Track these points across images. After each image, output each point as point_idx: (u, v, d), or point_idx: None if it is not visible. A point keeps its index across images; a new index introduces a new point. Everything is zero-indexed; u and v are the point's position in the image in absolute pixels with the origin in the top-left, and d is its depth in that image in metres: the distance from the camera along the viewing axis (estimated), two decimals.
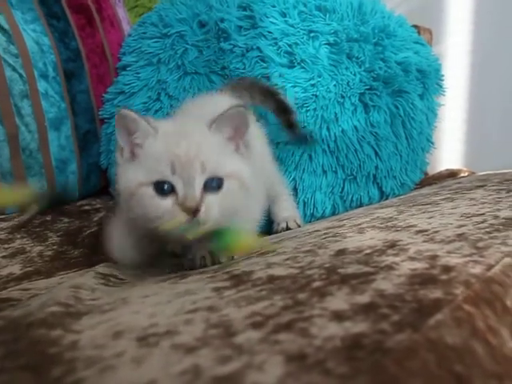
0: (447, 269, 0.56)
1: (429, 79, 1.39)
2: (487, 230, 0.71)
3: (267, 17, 1.27)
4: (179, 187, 0.70)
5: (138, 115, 0.75)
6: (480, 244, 0.65)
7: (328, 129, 1.23)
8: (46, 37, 1.34)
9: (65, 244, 1.11)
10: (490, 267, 0.57)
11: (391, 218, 0.89)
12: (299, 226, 1.13)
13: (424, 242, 0.68)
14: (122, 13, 1.59)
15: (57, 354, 0.46)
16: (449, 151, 2.00)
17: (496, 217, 0.78)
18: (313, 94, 1.22)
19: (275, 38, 1.25)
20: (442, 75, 1.47)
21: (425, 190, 1.27)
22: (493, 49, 1.90)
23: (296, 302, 0.51)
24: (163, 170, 0.71)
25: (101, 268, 0.85)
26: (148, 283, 0.72)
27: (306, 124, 1.21)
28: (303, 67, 1.24)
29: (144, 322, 0.51)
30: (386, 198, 1.33)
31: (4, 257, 1.04)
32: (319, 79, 1.23)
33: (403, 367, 0.38)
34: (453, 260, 0.59)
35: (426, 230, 0.74)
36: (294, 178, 1.24)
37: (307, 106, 1.21)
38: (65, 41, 1.38)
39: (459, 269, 0.56)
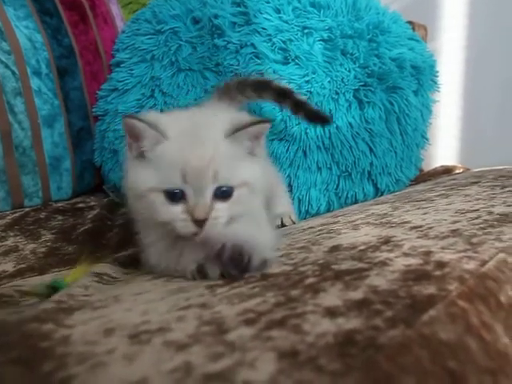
0: (441, 265, 0.56)
1: (423, 75, 1.39)
2: (481, 225, 0.71)
3: (261, 13, 1.26)
4: (189, 196, 0.69)
5: (145, 123, 0.71)
6: (474, 240, 0.65)
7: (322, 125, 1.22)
8: (38, 33, 1.33)
9: (59, 241, 1.11)
10: (484, 263, 0.57)
11: (386, 214, 0.89)
12: (294, 223, 1.13)
13: (418, 238, 0.68)
14: (115, 9, 1.59)
15: (48, 349, 0.46)
16: (444, 148, 2.00)
17: (490, 213, 0.78)
18: (307, 91, 1.21)
19: (269, 35, 1.24)
20: (437, 71, 1.47)
21: (420, 187, 1.27)
22: (488, 45, 1.90)
23: (289, 299, 0.51)
24: (175, 178, 0.69)
25: (95, 267, 0.85)
26: (141, 281, 0.72)
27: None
28: (297, 64, 1.23)
29: (136, 319, 0.50)
30: (381, 195, 1.33)
31: None
32: (313, 76, 1.23)
33: (396, 363, 0.38)
34: (447, 256, 0.58)
35: (420, 226, 0.74)
36: (288, 175, 1.23)
37: None
38: (58, 38, 1.37)
39: (453, 265, 0.55)
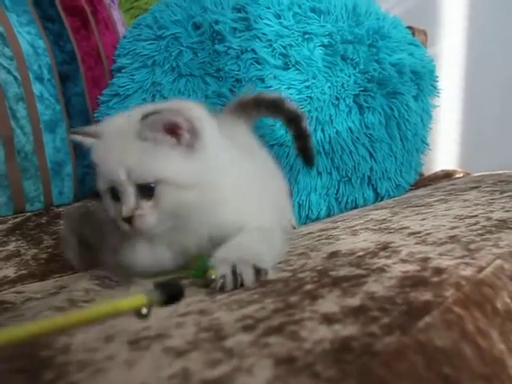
0: (438, 271, 0.56)
1: (423, 81, 1.40)
2: (479, 231, 0.72)
3: (262, 19, 1.27)
4: (121, 195, 0.71)
5: (82, 134, 0.78)
6: (472, 246, 0.65)
7: (323, 130, 1.23)
8: (40, 39, 1.34)
9: (60, 247, 1.11)
10: (481, 269, 0.57)
11: (385, 219, 0.89)
12: (294, 228, 1.13)
13: (416, 244, 0.69)
14: (116, 15, 1.59)
15: (49, 358, 0.46)
16: (444, 152, 2.00)
17: (489, 218, 0.78)
18: (307, 96, 1.22)
19: (270, 40, 1.25)
20: (437, 76, 1.48)
21: (419, 192, 1.28)
22: (487, 50, 1.91)
23: (287, 305, 0.51)
24: (104, 180, 0.73)
25: (96, 271, 0.85)
26: (141, 285, 0.73)
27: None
28: (298, 69, 1.24)
29: (136, 326, 0.51)
30: (381, 200, 1.33)
31: None
32: (314, 81, 1.24)
33: (391, 370, 0.39)
34: (444, 262, 0.59)
35: (418, 232, 0.75)
36: (288, 180, 1.24)
37: (302, 108, 1.21)
38: (60, 43, 1.38)
39: (450, 271, 0.56)
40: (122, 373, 0.42)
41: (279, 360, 0.40)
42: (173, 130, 0.71)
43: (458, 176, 1.57)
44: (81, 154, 1.40)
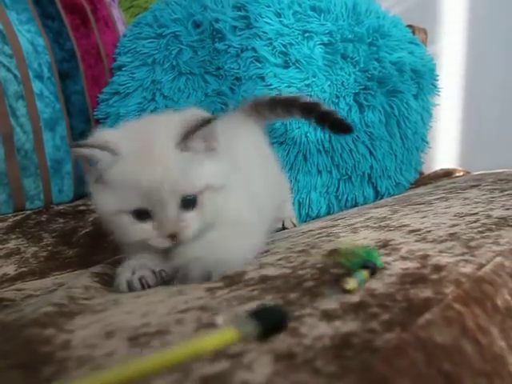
0: (438, 268, 0.56)
1: (423, 79, 1.40)
2: (480, 229, 0.72)
3: (262, 17, 1.27)
4: (155, 212, 0.68)
5: (93, 147, 0.70)
6: (472, 243, 0.65)
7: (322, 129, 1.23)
8: (40, 37, 1.33)
9: (59, 244, 1.11)
10: (481, 266, 0.57)
11: (385, 217, 0.89)
12: (295, 226, 1.13)
13: (416, 241, 0.69)
14: (116, 13, 1.59)
15: (49, 354, 0.46)
16: (444, 151, 2.00)
17: (489, 216, 0.78)
18: (307, 94, 1.22)
19: (270, 39, 1.25)
20: (437, 75, 1.48)
21: (419, 190, 1.28)
22: (488, 49, 1.91)
23: (287, 302, 0.51)
24: (134, 199, 0.68)
25: (95, 268, 0.85)
26: None
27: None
28: (298, 67, 1.24)
29: (136, 322, 0.51)
30: (381, 198, 1.33)
31: None
32: (314, 79, 1.24)
33: (391, 366, 0.39)
34: (444, 259, 0.59)
35: (418, 230, 0.75)
36: (288, 178, 1.24)
37: None
38: (59, 41, 1.38)
39: (450, 268, 0.56)
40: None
41: (279, 356, 0.40)
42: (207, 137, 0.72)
43: (457, 175, 1.57)
44: None
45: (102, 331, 0.50)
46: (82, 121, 1.42)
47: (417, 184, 1.49)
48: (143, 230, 0.69)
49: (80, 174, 1.40)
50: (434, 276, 0.54)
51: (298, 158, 1.24)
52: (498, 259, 0.59)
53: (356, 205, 1.30)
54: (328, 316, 0.46)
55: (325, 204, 1.28)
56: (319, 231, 0.88)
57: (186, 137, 0.70)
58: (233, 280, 0.62)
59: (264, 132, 1.10)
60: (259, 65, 1.24)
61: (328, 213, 1.28)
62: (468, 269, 0.56)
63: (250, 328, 0.42)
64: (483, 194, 0.97)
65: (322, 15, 1.30)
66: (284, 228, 1.12)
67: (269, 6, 1.29)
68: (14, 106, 1.26)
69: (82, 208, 1.35)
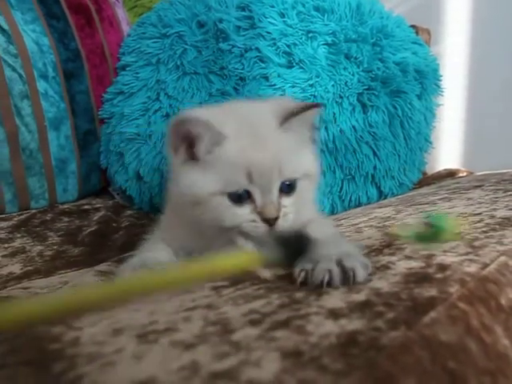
0: (443, 267, 0.57)
1: (427, 79, 1.40)
2: (483, 229, 0.72)
3: (266, 17, 1.27)
4: (257, 195, 0.66)
5: (203, 124, 0.66)
6: (476, 243, 0.65)
7: (326, 129, 1.23)
8: (45, 37, 1.34)
9: (65, 243, 1.12)
10: (485, 266, 0.57)
11: (389, 217, 0.90)
12: None
13: None
14: (121, 13, 1.60)
15: (58, 351, 0.47)
16: (447, 151, 2.00)
17: (492, 216, 0.79)
18: (311, 95, 1.22)
19: (274, 39, 1.25)
20: (441, 75, 1.48)
21: (423, 190, 1.28)
22: (491, 49, 1.91)
23: (293, 301, 0.52)
24: (240, 179, 0.65)
25: (101, 267, 0.86)
26: None
27: None
28: (302, 67, 1.24)
29: (144, 320, 0.51)
30: (385, 198, 1.33)
31: (4, 256, 1.04)
32: (317, 79, 1.24)
33: (397, 363, 0.39)
34: (448, 259, 0.59)
35: None
36: None
37: None
38: (64, 41, 1.38)
39: (454, 267, 0.56)
40: (130, 365, 0.42)
41: (286, 353, 0.40)
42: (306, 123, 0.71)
43: (461, 175, 1.57)
44: (85, 151, 1.41)
45: (110, 328, 0.50)
46: (86, 120, 1.42)
47: (420, 184, 1.49)
48: (239, 215, 0.66)
49: (84, 173, 1.41)
50: (439, 275, 0.54)
51: None
52: (502, 259, 0.60)
53: (359, 205, 1.30)
54: (334, 314, 0.47)
55: (328, 204, 1.28)
56: None
57: (289, 118, 0.68)
58: (239, 279, 0.63)
59: None
60: (263, 65, 1.24)
61: (332, 213, 1.28)
62: (472, 268, 0.56)
63: (275, 252, 0.43)
64: (487, 195, 0.98)
65: (326, 15, 1.30)
66: None
67: (273, 6, 1.29)
68: (18, 106, 1.27)
69: (86, 207, 1.36)
